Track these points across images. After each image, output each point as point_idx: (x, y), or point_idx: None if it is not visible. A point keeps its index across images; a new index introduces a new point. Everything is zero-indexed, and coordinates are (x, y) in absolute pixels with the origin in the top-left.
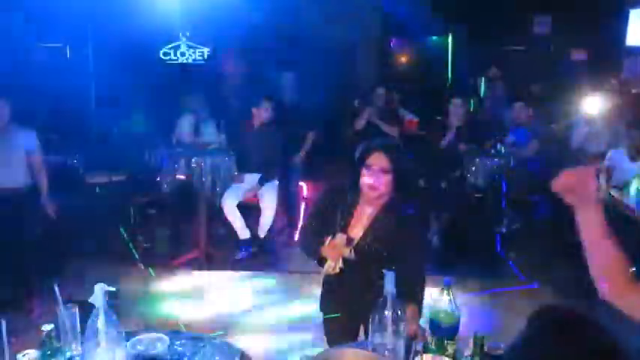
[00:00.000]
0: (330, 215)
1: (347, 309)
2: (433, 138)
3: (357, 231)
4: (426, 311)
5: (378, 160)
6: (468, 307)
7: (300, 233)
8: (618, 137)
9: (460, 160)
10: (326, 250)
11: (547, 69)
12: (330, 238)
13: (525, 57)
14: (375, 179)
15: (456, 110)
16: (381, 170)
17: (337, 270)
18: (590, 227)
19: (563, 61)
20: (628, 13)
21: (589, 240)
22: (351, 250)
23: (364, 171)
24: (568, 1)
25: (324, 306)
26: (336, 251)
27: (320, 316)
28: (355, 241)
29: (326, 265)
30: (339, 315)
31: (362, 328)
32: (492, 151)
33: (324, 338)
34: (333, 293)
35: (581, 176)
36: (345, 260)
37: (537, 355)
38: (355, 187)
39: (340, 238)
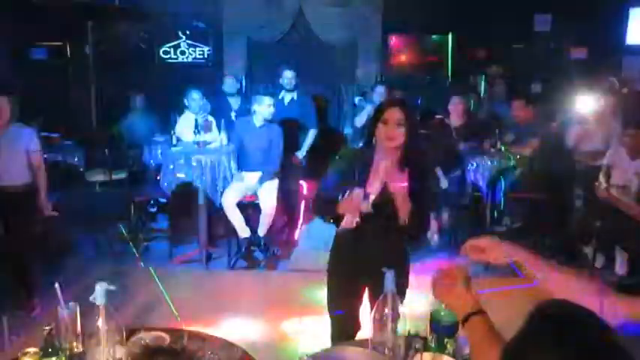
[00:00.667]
0: (348, 174)
1: (358, 264)
2: (433, 137)
3: (375, 186)
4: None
5: (394, 114)
6: None
7: (315, 197)
8: (613, 136)
9: (460, 159)
10: (344, 205)
11: (547, 67)
12: (347, 193)
13: (525, 55)
14: (392, 131)
15: (456, 109)
16: (397, 123)
17: (354, 224)
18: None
19: (563, 59)
20: (628, 11)
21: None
22: (368, 204)
23: (381, 125)
24: None
25: (335, 263)
26: (354, 205)
27: (323, 310)
28: (373, 196)
29: (344, 220)
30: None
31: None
32: (492, 149)
33: (327, 304)
34: (346, 249)
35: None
36: (361, 215)
37: (537, 351)
38: (370, 144)
39: (358, 192)
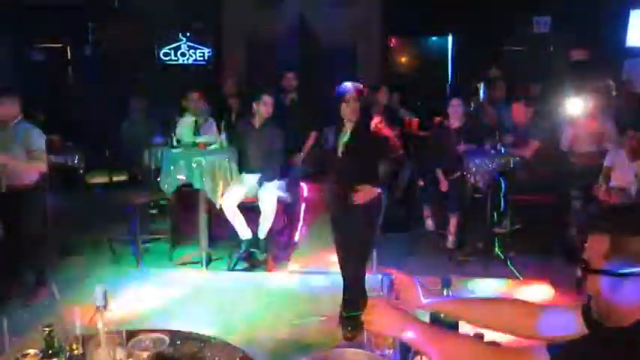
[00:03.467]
0: (328, 136)
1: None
2: (433, 138)
3: (345, 139)
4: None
5: (351, 96)
6: None
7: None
8: (607, 138)
9: (460, 161)
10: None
11: (547, 69)
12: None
13: (525, 57)
14: (351, 107)
15: (456, 110)
16: (353, 100)
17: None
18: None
19: (562, 61)
20: (628, 13)
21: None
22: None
23: (344, 104)
24: (568, 1)
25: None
26: None
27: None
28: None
29: None
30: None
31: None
32: (492, 151)
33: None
34: (331, 201)
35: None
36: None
37: None
38: (339, 116)
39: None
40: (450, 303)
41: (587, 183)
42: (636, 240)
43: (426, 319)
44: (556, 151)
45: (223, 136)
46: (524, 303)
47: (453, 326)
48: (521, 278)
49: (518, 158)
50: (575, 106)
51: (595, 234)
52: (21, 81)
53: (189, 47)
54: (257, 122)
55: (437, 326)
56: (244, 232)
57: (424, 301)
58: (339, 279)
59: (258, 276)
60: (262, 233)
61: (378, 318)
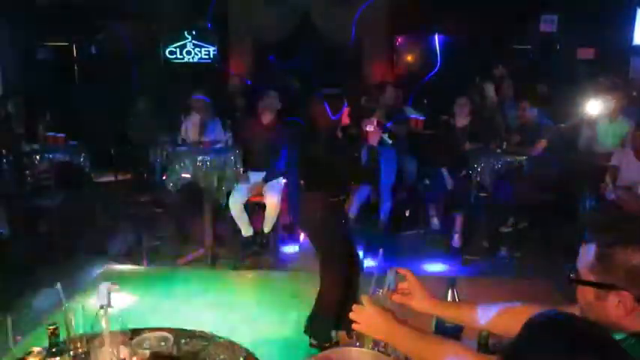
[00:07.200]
0: None
1: None
2: (439, 137)
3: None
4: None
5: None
6: None
7: None
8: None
9: (466, 160)
10: None
11: (554, 68)
12: None
13: (532, 55)
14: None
15: (462, 109)
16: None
17: None
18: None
19: (570, 60)
20: (636, 12)
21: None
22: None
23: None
24: None
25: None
26: None
27: None
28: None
29: None
30: None
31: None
32: (498, 150)
33: None
34: None
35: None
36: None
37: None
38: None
39: None
40: (453, 308)
41: (598, 183)
42: (621, 251)
43: (432, 323)
44: (565, 151)
45: (229, 134)
46: (528, 309)
47: (457, 328)
48: (527, 277)
49: (524, 157)
50: (594, 105)
51: (584, 244)
52: (27, 79)
53: (195, 45)
54: (262, 120)
55: (422, 333)
56: (249, 231)
57: (429, 301)
58: None
59: (263, 274)
60: (267, 228)
61: (365, 319)
